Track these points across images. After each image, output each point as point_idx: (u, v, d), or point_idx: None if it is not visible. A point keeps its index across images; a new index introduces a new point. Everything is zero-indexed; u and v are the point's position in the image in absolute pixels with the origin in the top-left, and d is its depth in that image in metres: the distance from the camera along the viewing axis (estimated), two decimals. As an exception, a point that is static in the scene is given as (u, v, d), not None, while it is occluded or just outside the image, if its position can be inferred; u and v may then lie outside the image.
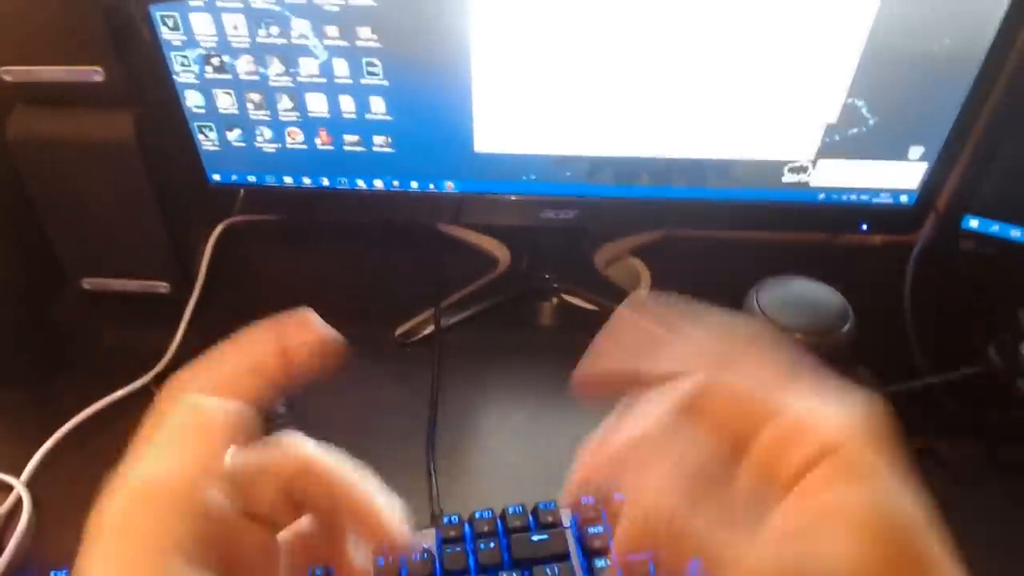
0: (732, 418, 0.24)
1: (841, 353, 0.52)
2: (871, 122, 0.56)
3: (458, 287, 0.70)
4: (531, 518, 0.47)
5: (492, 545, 0.45)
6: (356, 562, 0.25)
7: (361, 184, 0.61)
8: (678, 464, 0.24)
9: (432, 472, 0.54)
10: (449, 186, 0.61)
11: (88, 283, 0.67)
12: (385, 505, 0.25)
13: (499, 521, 0.47)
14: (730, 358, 0.26)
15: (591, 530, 0.46)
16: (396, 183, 0.61)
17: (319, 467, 0.25)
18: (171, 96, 0.56)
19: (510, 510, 0.47)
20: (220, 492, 0.22)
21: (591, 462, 0.27)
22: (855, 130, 0.56)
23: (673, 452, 0.24)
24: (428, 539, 0.46)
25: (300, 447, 0.25)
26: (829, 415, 0.23)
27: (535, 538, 0.45)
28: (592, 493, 0.27)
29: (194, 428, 0.23)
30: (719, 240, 0.77)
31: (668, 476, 0.24)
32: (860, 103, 0.55)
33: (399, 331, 0.66)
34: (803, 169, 0.59)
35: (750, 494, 0.24)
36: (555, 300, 0.72)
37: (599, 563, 0.44)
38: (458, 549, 0.45)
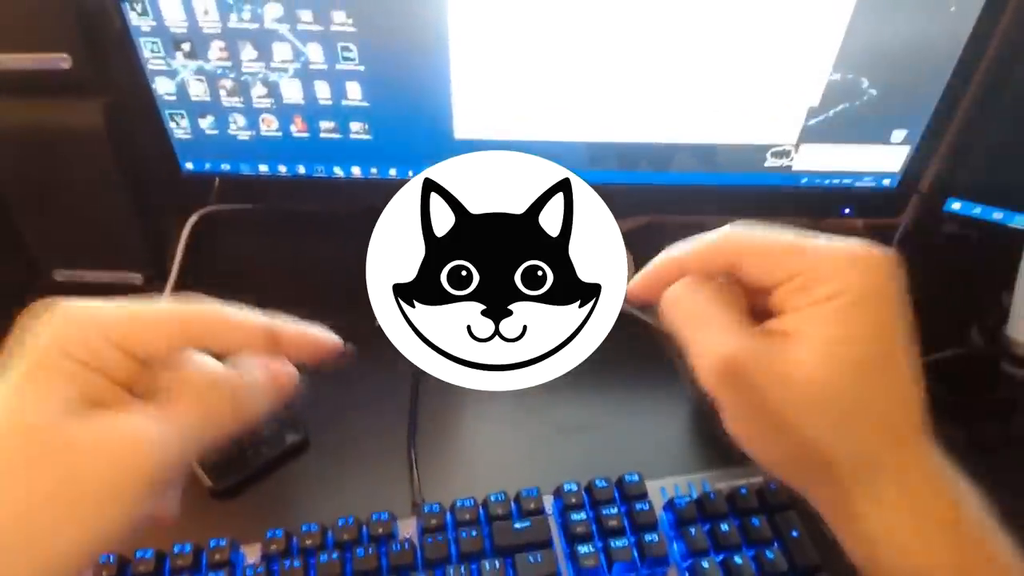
0: (758, 260, 0.29)
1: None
2: (853, 106, 0.55)
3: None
4: (513, 505, 0.46)
5: (474, 533, 0.44)
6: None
7: (339, 172, 0.60)
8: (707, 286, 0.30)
9: (413, 461, 0.53)
10: (428, 173, 0.60)
11: (61, 275, 0.66)
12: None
13: (481, 509, 0.46)
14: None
15: (574, 516, 0.45)
16: (374, 170, 0.60)
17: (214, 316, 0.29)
18: (141, 83, 0.55)
19: (492, 498, 0.46)
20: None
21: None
22: (837, 114, 0.56)
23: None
24: (409, 529, 0.46)
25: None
26: (842, 267, 0.28)
27: (517, 525, 0.45)
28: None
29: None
30: (704, 225, 0.76)
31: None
32: (842, 87, 0.54)
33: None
34: (786, 153, 0.59)
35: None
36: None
37: (582, 549, 0.44)
38: (440, 538, 0.44)
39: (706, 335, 0.29)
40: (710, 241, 0.30)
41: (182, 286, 0.67)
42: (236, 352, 0.29)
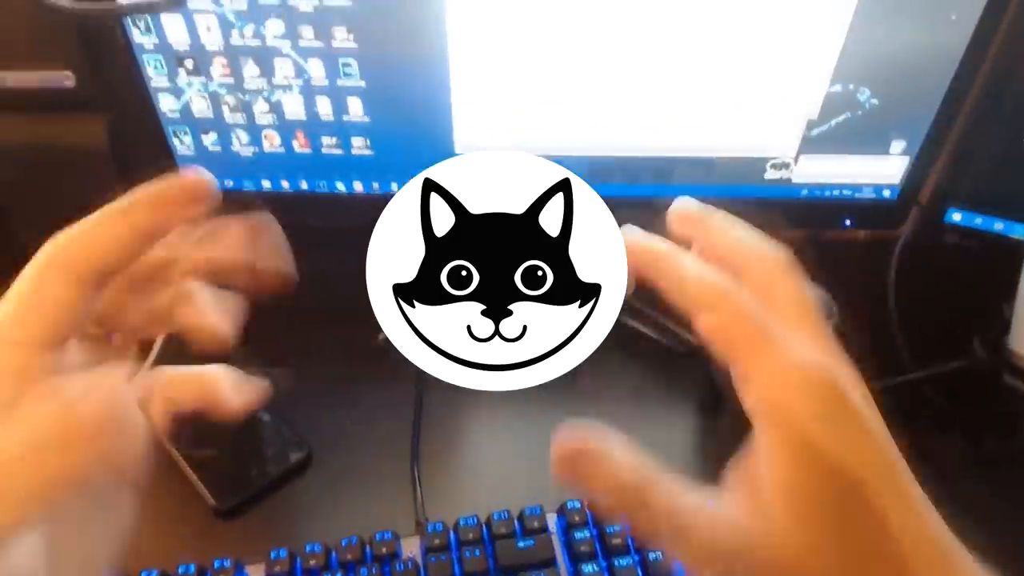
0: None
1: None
2: (852, 117, 0.55)
3: (442, 289, 0.70)
4: (517, 524, 0.46)
5: (478, 553, 0.44)
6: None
7: (341, 187, 0.60)
8: None
9: (416, 479, 0.53)
10: (430, 187, 0.60)
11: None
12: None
13: (484, 528, 0.46)
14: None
15: (577, 535, 0.45)
16: (376, 185, 0.60)
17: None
18: (144, 100, 0.55)
19: (495, 516, 0.47)
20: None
21: None
22: (837, 125, 0.56)
23: None
24: (413, 548, 0.46)
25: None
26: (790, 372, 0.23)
27: (521, 544, 0.45)
28: None
29: None
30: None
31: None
32: (841, 98, 0.54)
33: (382, 335, 0.65)
34: (785, 165, 0.59)
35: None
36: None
37: (586, 568, 0.44)
38: (443, 558, 0.44)
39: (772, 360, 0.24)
40: (749, 248, 0.28)
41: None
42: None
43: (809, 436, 0.22)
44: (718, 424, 0.60)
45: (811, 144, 0.57)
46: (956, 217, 0.63)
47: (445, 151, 0.57)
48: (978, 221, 0.62)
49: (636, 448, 0.26)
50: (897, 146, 0.58)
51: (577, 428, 0.26)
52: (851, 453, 0.22)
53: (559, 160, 0.60)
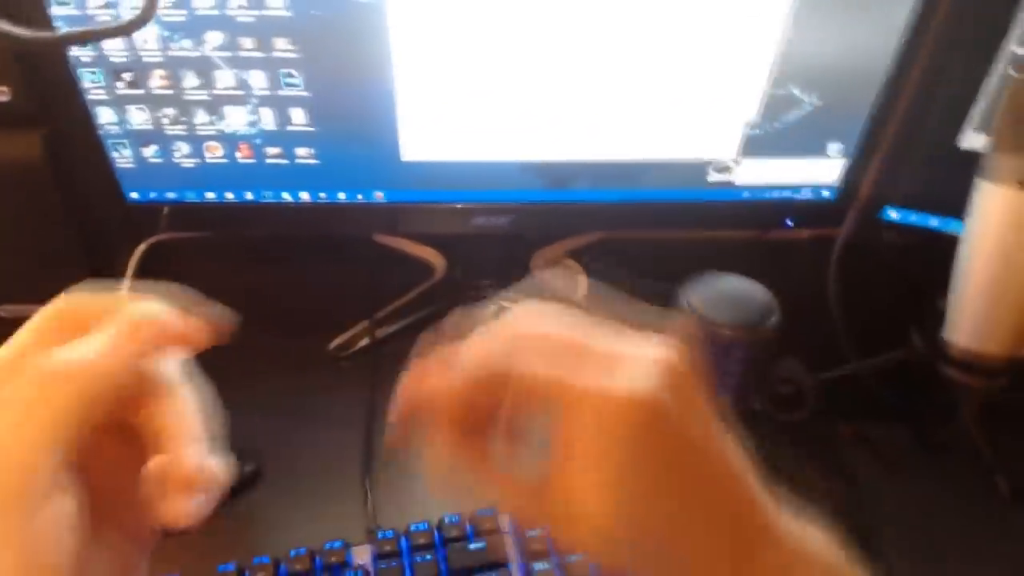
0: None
1: (769, 345, 0.53)
2: (790, 119, 0.57)
3: (394, 298, 0.70)
4: (469, 526, 0.46)
5: (428, 557, 0.44)
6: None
7: (287, 197, 0.60)
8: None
9: (367, 487, 0.53)
10: (378, 196, 0.60)
11: (4, 311, 0.64)
12: (198, 448, 0.25)
13: (436, 532, 0.46)
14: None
15: (530, 533, 0.46)
16: (323, 195, 0.60)
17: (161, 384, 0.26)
18: (82, 114, 0.54)
19: (447, 519, 0.47)
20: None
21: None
22: (775, 128, 0.57)
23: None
24: (364, 556, 0.46)
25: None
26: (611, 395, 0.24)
27: (472, 547, 0.45)
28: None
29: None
30: (650, 240, 0.78)
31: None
32: (778, 101, 0.56)
33: (333, 344, 0.65)
34: (727, 168, 0.60)
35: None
36: (493, 308, 0.71)
37: (538, 567, 0.44)
38: (394, 563, 0.44)
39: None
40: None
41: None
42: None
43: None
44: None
45: (751, 147, 0.59)
46: (893, 215, 0.64)
47: (391, 158, 0.57)
48: (914, 218, 0.64)
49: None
50: (834, 148, 0.60)
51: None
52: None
53: (503, 165, 0.61)
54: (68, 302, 0.25)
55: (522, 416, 0.26)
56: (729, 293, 0.55)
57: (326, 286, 0.72)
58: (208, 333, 0.27)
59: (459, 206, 0.61)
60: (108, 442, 0.26)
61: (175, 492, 0.25)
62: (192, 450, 0.25)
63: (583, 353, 0.26)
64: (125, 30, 0.49)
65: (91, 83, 0.52)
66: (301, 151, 0.57)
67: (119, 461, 0.26)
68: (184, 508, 0.24)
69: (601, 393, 0.24)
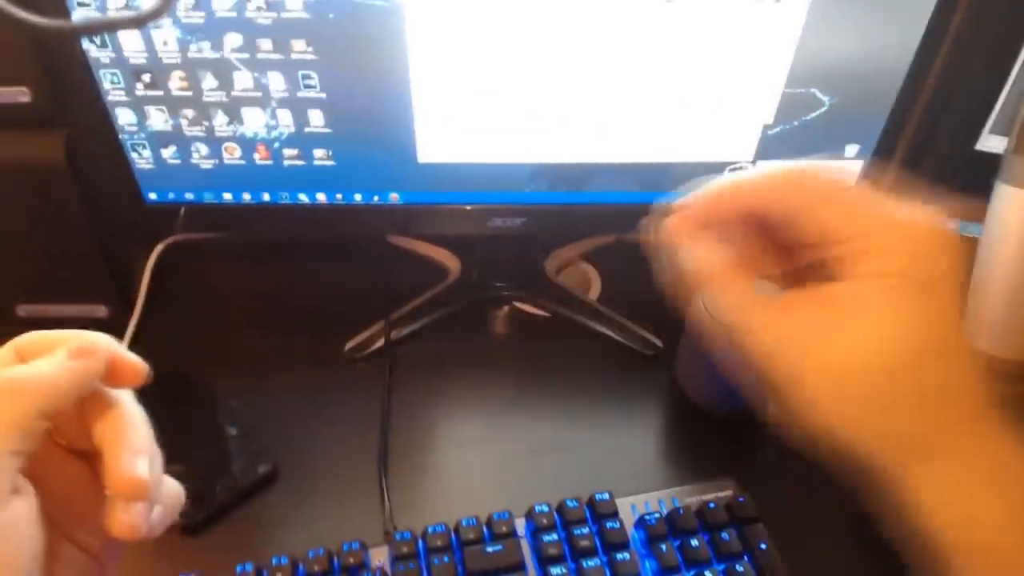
0: (828, 211, 0.29)
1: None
2: (806, 121, 0.57)
3: (409, 299, 0.70)
4: (485, 529, 0.47)
5: (446, 560, 0.44)
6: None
7: (303, 198, 0.60)
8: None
9: (384, 488, 0.53)
10: (394, 198, 0.60)
11: (24, 310, 0.65)
12: (127, 455, 0.27)
13: (453, 535, 0.46)
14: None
15: (545, 538, 0.46)
16: (339, 196, 0.60)
17: (111, 403, 0.29)
18: (102, 115, 0.54)
19: (464, 522, 0.47)
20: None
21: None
22: (791, 130, 0.57)
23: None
24: (381, 557, 0.46)
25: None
26: (911, 231, 0.28)
27: (489, 550, 0.45)
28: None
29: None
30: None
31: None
32: (794, 103, 0.56)
33: (349, 345, 0.65)
34: (743, 170, 0.60)
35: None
36: (507, 308, 0.72)
37: (555, 571, 0.44)
38: (412, 565, 0.44)
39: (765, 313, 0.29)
40: (780, 177, 0.30)
41: (148, 315, 0.67)
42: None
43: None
44: (681, 420, 0.60)
45: (768, 148, 0.58)
46: (910, 217, 0.64)
47: (408, 160, 0.57)
48: (931, 221, 0.63)
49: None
50: (851, 150, 0.59)
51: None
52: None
53: (519, 167, 0.61)
54: (24, 336, 0.29)
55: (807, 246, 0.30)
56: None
57: (341, 287, 0.72)
58: (140, 371, 0.30)
59: (474, 208, 0.61)
60: (69, 464, 0.29)
61: (114, 501, 0.27)
62: (125, 459, 0.27)
63: (869, 198, 0.29)
64: (141, 20, 0.49)
65: (111, 84, 0.53)
66: (318, 152, 0.57)
67: (79, 482, 0.29)
68: (125, 518, 0.27)
69: (901, 226, 0.28)
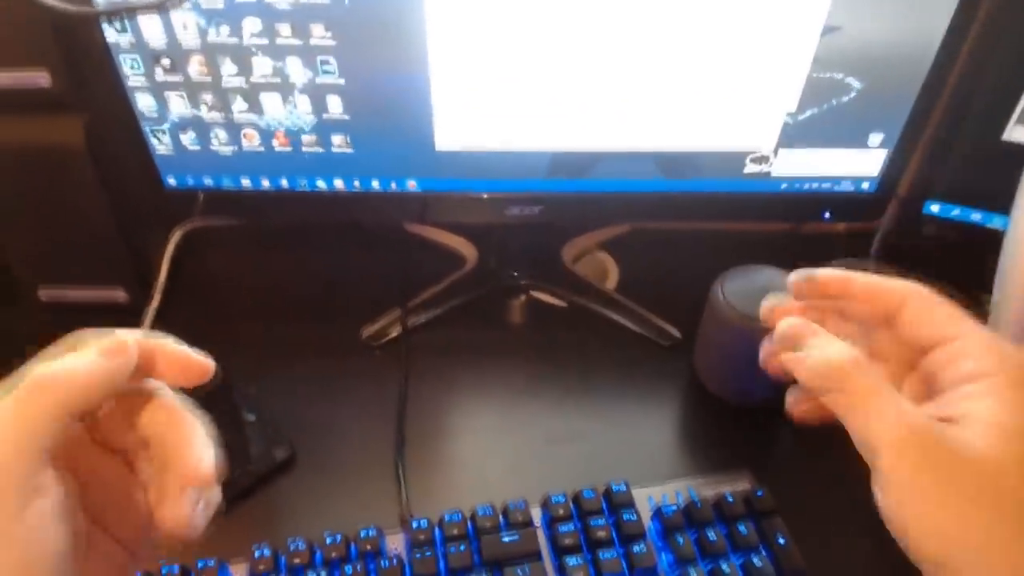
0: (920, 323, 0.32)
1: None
2: (830, 110, 0.56)
3: (425, 287, 0.70)
4: (502, 518, 0.47)
5: (462, 548, 0.44)
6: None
7: (321, 185, 0.60)
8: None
9: (401, 475, 0.53)
10: (411, 185, 0.60)
11: (44, 293, 0.65)
12: (199, 445, 0.28)
13: (469, 523, 0.46)
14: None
15: (562, 528, 0.46)
16: (357, 183, 0.60)
17: (161, 399, 0.29)
18: (121, 100, 0.54)
19: (480, 511, 0.47)
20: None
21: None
22: (814, 118, 0.56)
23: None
24: (397, 543, 0.46)
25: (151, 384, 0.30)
26: (994, 347, 0.30)
27: (506, 538, 0.45)
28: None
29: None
30: (686, 231, 0.77)
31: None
32: (818, 91, 0.55)
33: (366, 333, 0.66)
34: (764, 159, 0.59)
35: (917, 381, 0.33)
36: (523, 297, 0.71)
37: (571, 561, 0.44)
38: (428, 553, 0.44)
39: (889, 406, 0.29)
40: (890, 284, 0.34)
41: (167, 301, 0.67)
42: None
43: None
44: (698, 411, 0.60)
45: (790, 138, 0.58)
46: (934, 208, 0.63)
47: (426, 148, 0.57)
48: (956, 212, 0.63)
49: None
50: (875, 139, 0.58)
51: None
52: None
53: (537, 155, 0.60)
54: (72, 333, 0.29)
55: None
56: (765, 286, 0.54)
57: (358, 274, 0.72)
58: (206, 369, 0.30)
59: (491, 196, 0.61)
60: (106, 460, 0.29)
61: (164, 497, 0.28)
62: (195, 452, 0.28)
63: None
64: (161, 5, 0.49)
65: (130, 69, 0.53)
66: (336, 139, 0.57)
67: (116, 477, 0.29)
68: (178, 512, 0.27)
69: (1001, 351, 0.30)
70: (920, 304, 0.33)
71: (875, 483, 0.29)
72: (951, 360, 0.30)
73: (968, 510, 0.26)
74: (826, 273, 0.36)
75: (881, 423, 0.29)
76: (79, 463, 0.28)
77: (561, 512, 0.46)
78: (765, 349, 0.38)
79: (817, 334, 0.33)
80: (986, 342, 0.30)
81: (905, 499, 0.28)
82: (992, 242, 0.56)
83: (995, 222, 0.61)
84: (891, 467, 0.28)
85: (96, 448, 0.29)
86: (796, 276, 0.37)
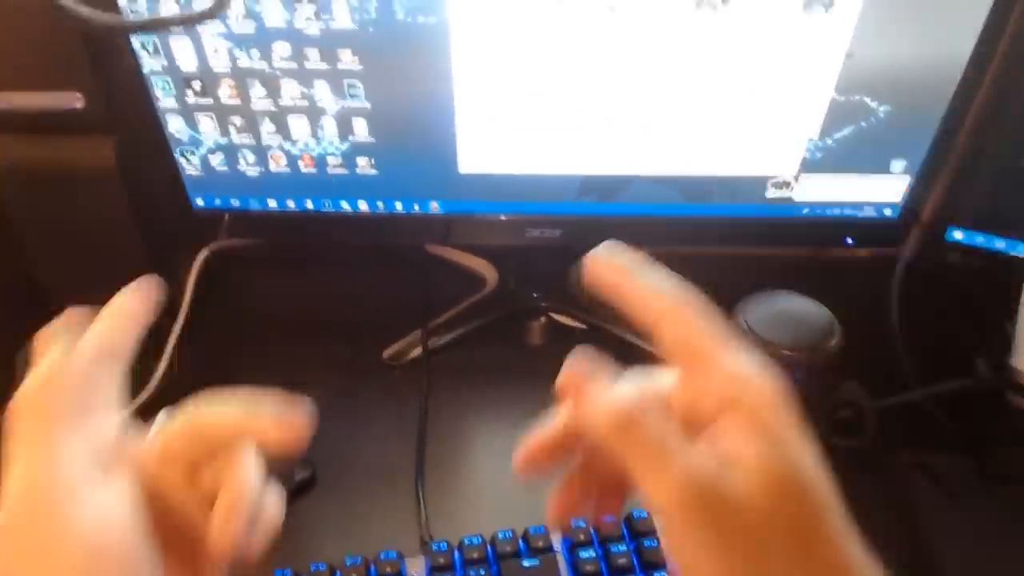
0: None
1: (829, 367, 0.52)
2: (852, 136, 0.56)
3: (446, 308, 0.70)
4: (522, 543, 0.46)
5: (482, 572, 0.44)
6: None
7: (345, 206, 0.61)
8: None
9: (421, 497, 0.53)
10: (434, 207, 0.61)
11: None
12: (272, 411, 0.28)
13: (489, 547, 0.46)
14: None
15: (582, 554, 0.45)
16: (380, 205, 0.61)
17: (205, 416, 0.28)
18: (152, 121, 0.56)
19: (500, 535, 0.46)
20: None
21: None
22: (837, 144, 0.56)
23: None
24: (417, 567, 0.46)
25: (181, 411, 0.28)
26: (742, 371, 0.26)
27: (526, 564, 0.45)
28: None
29: None
30: (706, 256, 0.77)
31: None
32: (841, 117, 0.55)
33: (387, 353, 0.66)
34: (786, 184, 0.59)
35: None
36: (543, 319, 0.72)
37: (591, 587, 0.44)
38: (448, 576, 0.44)
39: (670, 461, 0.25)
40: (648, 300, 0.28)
41: (192, 320, 0.68)
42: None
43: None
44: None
45: (812, 163, 0.58)
46: (958, 235, 0.63)
47: (449, 170, 0.58)
48: (980, 239, 0.62)
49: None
50: (898, 165, 0.58)
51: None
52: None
53: (559, 179, 0.61)
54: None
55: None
56: (788, 312, 0.54)
57: (380, 295, 0.73)
58: (284, 431, 0.29)
59: (513, 218, 0.62)
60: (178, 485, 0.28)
61: (230, 520, 0.27)
62: (247, 482, 0.27)
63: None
64: (192, 19, 0.50)
65: (162, 92, 0.54)
66: (361, 161, 0.57)
67: (188, 503, 0.28)
68: (234, 533, 0.26)
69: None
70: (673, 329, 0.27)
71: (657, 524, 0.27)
72: (699, 392, 0.26)
73: (737, 562, 0.24)
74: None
75: (660, 485, 0.25)
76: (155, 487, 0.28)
77: (582, 538, 0.46)
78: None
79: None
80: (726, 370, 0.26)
81: (686, 546, 0.25)
82: (1017, 270, 0.56)
83: (1020, 250, 0.61)
84: (674, 525, 0.25)
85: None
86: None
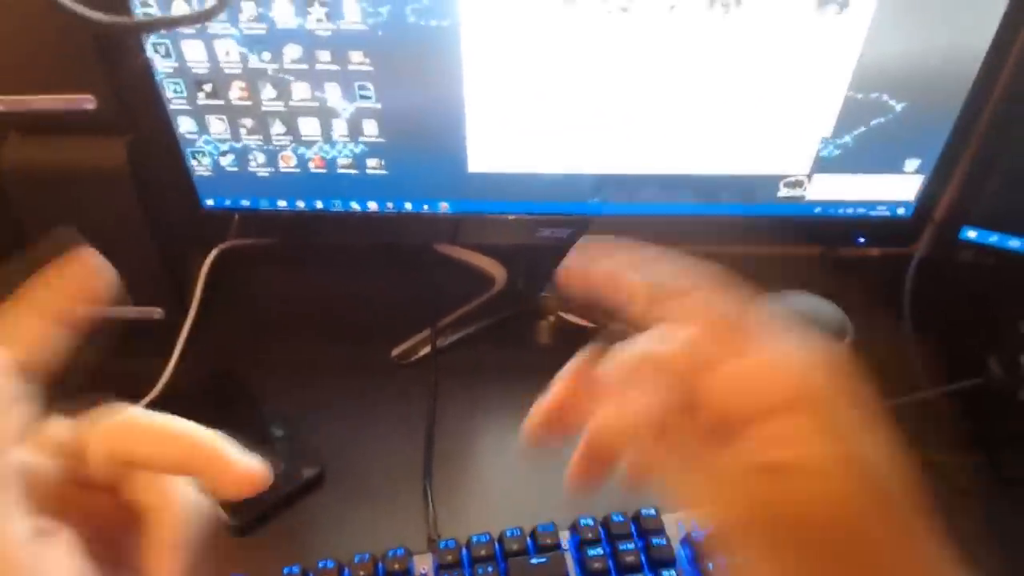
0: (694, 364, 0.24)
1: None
2: (866, 135, 0.56)
3: (455, 307, 0.70)
4: (530, 541, 0.46)
5: (490, 570, 0.44)
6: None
7: (355, 206, 0.61)
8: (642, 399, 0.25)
9: (429, 495, 0.53)
10: (443, 207, 0.61)
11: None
12: (227, 447, 0.24)
13: (497, 545, 0.46)
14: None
15: (590, 552, 0.45)
16: (390, 205, 0.61)
17: (144, 423, 0.24)
18: (163, 122, 0.56)
19: (508, 533, 0.46)
20: (39, 458, 0.22)
21: (561, 390, 0.28)
22: (850, 143, 0.56)
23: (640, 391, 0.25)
24: (425, 565, 0.46)
25: (120, 411, 0.24)
26: (793, 365, 0.23)
27: (534, 561, 0.45)
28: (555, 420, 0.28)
29: None
30: (717, 255, 0.76)
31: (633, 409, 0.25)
32: (854, 116, 0.54)
33: (395, 352, 0.66)
34: (799, 183, 0.59)
35: (707, 433, 0.24)
36: (552, 318, 0.72)
37: (599, 586, 0.44)
38: (456, 575, 0.44)
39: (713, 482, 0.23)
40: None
41: (202, 319, 0.68)
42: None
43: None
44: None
45: (824, 162, 0.57)
46: (971, 234, 0.62)
47: (459, 170, 0.58)
48: (993, 239, 0.62)
49: None
50: (911, 164, 0.58)
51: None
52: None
53: (568, 178, 0.61)
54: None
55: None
56: (800, 311, 0.54)
57: (389, 294, 0.73)
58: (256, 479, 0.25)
59: (523, 217, 0.62)
60: (95, 498, 0.25)
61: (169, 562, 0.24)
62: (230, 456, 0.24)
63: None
64: (200, 18, 0.50)
65: (173, 93, 0.54)
66: (371, 162, 0.57)
67: (109, 515, 0.25)
68: (244, 469, 0.24)
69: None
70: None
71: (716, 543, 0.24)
72: (736, 390, 0.24)
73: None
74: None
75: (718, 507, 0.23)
76: (70, 506, 0.24)
77: (590, 536, 0.46)
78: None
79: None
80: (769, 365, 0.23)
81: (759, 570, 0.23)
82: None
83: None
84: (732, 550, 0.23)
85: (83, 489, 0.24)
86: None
